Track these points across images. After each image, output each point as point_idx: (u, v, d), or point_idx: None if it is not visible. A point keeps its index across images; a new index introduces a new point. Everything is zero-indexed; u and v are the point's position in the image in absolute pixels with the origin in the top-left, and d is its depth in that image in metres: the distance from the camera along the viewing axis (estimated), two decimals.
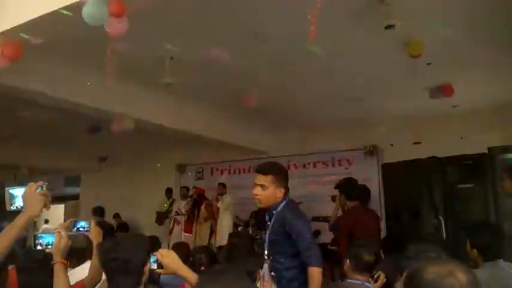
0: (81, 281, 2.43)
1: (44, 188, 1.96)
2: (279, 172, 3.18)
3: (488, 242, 2.76)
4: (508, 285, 2.56)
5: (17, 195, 1.99)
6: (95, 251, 2.53)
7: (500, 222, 5.20)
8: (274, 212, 3.14)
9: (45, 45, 3.96)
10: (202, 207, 8.72)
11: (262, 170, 3.13)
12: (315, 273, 2.84)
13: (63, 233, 2.16)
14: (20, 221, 1.87)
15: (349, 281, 2.82)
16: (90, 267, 2.53)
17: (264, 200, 3.13)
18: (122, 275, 1.86)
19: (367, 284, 2.79)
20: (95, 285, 2.37)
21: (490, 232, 2.85)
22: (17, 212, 1.93)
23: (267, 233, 3.18)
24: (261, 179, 3.10)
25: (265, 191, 3.08)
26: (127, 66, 4.42)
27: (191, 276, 2.16)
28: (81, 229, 2.56)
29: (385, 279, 2.95)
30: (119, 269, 1.85)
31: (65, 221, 2.49)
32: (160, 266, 2.14)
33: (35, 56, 4.34)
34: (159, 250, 2.18)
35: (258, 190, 3.11)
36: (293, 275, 2.99)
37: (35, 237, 2.22)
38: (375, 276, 2.91)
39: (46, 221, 13.37)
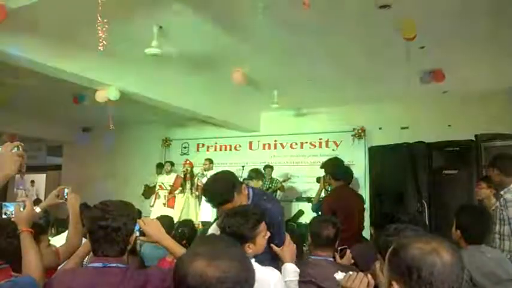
0: (56, 248, 2.38)
1: (20, 149, 1.89)
2: (234, 187, 2.71)
3: (473, 225, 2.76)
4: (484, 270, 2.57)
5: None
6: (71, 218, 2.47)
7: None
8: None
9: (31, 10, 3.83)
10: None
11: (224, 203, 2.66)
12: None
13: (28, 202, 2.10)
14: None
15: (312, 257, 2.77)
16: (67, 235, 2.47)
17: None
18: (109, 243, 1.84)
19: (329, 259, 2.75)
20: (72, 252, 2.31)
21: (477, 216, 2.85)
22: None
23: None
24: (230, 206, 2.61)
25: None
26: (115, 35, 4.29)
27: (173, 245, 2.12)
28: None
29: (351, 258, 2.89)
30: (106, 238, 1.83)
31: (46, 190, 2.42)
32: (142, 234, 2.11)
33: (20, 20, 4.20)
34: (142, 218, 2.15)
35: None
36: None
37: (1, 206, 2.16)
38: (341, 251, 2.87)
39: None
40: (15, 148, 1.89)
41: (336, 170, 5.21)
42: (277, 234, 2.74)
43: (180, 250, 2.11)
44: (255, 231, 2.21)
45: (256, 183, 5.55)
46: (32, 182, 13.17)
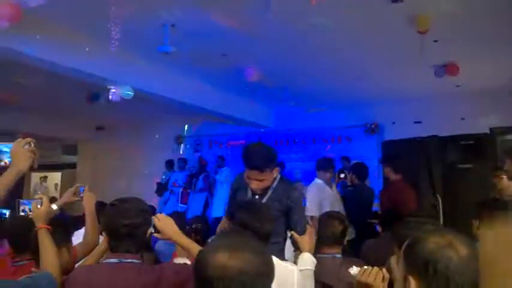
0: (73, 247, 2.41)
1: (32, 145, 1.91)
2: (273, 160, 2.81)
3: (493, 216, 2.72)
4: None
5: (5, 150, 1.97)
6: (88, 217, 2.50)
7: None
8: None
9: (44, 9, 3.87)
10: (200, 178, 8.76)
11: (258, 166, 2.73)
12: None
13: (45, 199, 2.12)
14: (9, 176, 1.84)
15: (318, 255, 2.72)
16: (84, 233, 2.50)
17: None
18: (131, 240, 1.87)
19: (337, 256, 2.71)
20: (90, 250, 2.34)
21: (498, 207, 2.81)
22: (5, 167, 1.91)
23: None
24: (257, 174, 2.73)
25: (265, 182, 2.77)
26: (127, 33, 4.32)
27: (187, 243, 2.12)
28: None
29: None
30: (127, 235, 1.86)
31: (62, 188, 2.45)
32: (156, 230, 2.11)
33: (34, 20, 4.25)
34: (157, 215, 2.15)
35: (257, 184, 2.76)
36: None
37: (18, 203, 2.19)
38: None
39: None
40: (27, 144, 1.91)
41: (398, 162, 5.19)
42: (299, 221, 2.80)
43: (194, 247, 2.10)
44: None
45: (324, 175, 5.04)
46: (45, 177, 13.23)
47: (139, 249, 1.91)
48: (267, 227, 2.13)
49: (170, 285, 1.84)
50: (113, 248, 1.92)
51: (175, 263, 2.20)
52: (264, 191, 2.82)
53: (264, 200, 2.80)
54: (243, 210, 2.19)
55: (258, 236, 2.06)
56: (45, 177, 12.97)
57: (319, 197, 4.83)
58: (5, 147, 1.95)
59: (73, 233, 2.61)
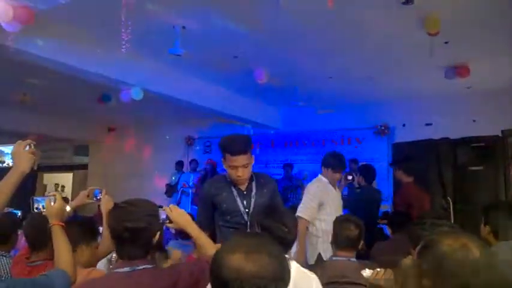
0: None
1: (32, 147, 1.96)
2: (251, 142, 2.93)
3: (504, 221, 2.70)
4: None
5: (7, 152, 2.03)
6: (105, 220, 2.51)
7: None
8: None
9: (56, 11, 3.92)
10: None
11: (244, 150, 2.81)
12: None
13: (58, 195, 2.14)
14: (12, 178, 1.90)
15: (334, 258, 2.76)
16: (101, 238, 2.51)
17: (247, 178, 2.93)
18: (135, 244, 1.79)
19: (352, 259, 2.71)
20: (106, 253, 2.37)
21: (508, 211, 2.79)
22: (8, 168, 1.97)
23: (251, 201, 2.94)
24: (244, 158, 2.81)
25: (249, 168, 2.87)
26: (138, 35, 4.36)
27: (198, 232, 2.09)
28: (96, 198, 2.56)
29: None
30: (130, 239, 1.78)
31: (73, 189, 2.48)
32: (169, 221, 2.08)
33: (46, 22, 4.31)
34: (170, 205, 2.12)
35: (242, 171, 2.83)
36: None
37: (32, 201, 2.21)
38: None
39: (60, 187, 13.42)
40: (28, 146, 1.96)
41: (410, 165, 5.16)
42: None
43: (204, 238, 2.09)
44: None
45: (332, 175, 4.24)
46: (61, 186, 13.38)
47: (147, 252, 1.84)
48: (292, 236, 2.16)
49: (186, 287, 1.81)
50: (118, 251, 1.87)
51: (189, 263, 2.20)
52: (247, 186, 2.94)
53: (253, 190, 2.93)
54: (268, 217, 2.20)
55: (281, 243, 2.04)
56: (63, 186, 13.10)
57: (322, 198, 4.11)
58: (6, 148, 2.00)
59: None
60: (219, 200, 2.92)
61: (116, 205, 1.92)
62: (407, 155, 5.69)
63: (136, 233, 1.78)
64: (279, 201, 3.11)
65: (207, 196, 2.98)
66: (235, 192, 2.92)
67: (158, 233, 1.89)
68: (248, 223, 2.86)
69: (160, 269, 1.87)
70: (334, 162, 4.22)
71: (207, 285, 1.81)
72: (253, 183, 2.96)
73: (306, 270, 2.16)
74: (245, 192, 2.93)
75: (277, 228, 2.11)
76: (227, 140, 2.86)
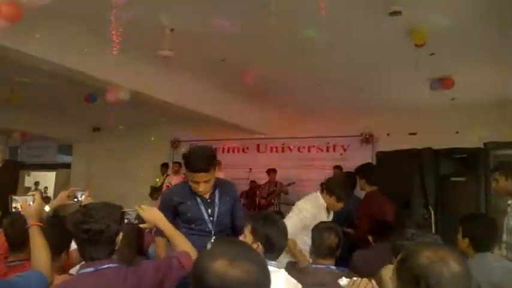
0: (69, 251, 2.41)
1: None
2: (215, 157, 2.91)
3: (482, 233, 2.74)
4: (489, 278, 2.56)
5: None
6: None
7: None
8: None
9: (44, 9, 3.88)
10: None
11: (204, 168, 2.81)
12: None
13: (37, 195, 2.13)
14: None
15: (313, 266, 2.77)
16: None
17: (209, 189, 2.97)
18: (94, 246, 1.82)
19: (331, 267, 2.72)
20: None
21: (486, 224, 2.84)
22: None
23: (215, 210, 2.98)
24: (205, 175, 2.82)
25: (210, 183, 2.90)
26: (126, 36, 4.34)
27: (169, 227, 2.15)
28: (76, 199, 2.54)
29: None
30: (90, 240, 1.81)
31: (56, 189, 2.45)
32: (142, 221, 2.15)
33: (33, 20, 4.25)
34: (141, 206, 2.15)
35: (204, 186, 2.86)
36: None
37: (11, 200, 2.19)
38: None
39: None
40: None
41: (373, 174, 5.16)
42: (243, 217, 2.93)
43: (176, 233, 2.15)
44: None
45: (333, 204, 3.88)
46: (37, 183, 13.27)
47: (110, 254, 1.87)
48: (285, 243, 2.27)
49: (152, 283, 1.84)
50: (81, 253, 1.88)
51: (153, 260, 2.20)
52: (211, 194, 2.98)
53: (216, 198, 2.98)
54: (267, 225, 2.23)
55: (274, 250, 2.16)
56: (45, 187, 12.99)
57: (308, 222, 3.62)
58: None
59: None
60: (183, 209, 2.95)
61: (76, 209, 1.93)
62: (369, 164, 5.70)
63: (94, 235, 1.80)
64: (240, 208, 3.23)
65: (170, 204, 2.99)
66: (199, 200, 2.96)
67: (121, 234, 1.91)
68: (212, 231, 2.93)
69: (126, 268, 1.87)
70: (341, 194, 3.83)
71: (175, 280, 1.89)
72: (216, 191, 3.00)
73: (294, 280, 2.18)
74: (209, 201, 2.98)
75: (277, 238, 2.21)
76: (189, 156, 2.85)
